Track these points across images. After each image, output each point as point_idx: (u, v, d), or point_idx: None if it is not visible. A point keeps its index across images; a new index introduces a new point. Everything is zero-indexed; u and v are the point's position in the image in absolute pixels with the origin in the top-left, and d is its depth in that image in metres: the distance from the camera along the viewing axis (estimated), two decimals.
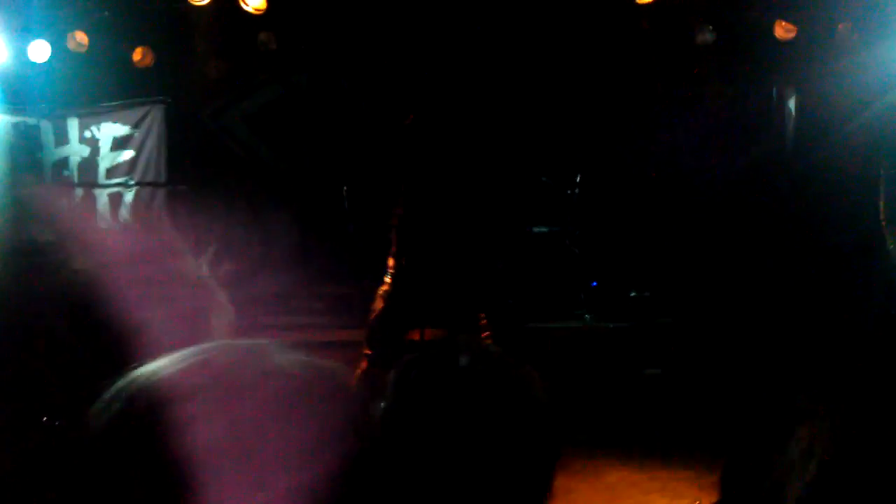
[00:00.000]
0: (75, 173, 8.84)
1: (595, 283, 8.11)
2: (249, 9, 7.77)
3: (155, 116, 8.69)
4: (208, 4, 7.55)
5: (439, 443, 1.40)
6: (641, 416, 6.33)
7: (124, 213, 8.73)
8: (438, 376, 1.47)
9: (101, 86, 8.43)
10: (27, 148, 8.82)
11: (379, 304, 5.41)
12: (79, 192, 8.80)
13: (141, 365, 0.80)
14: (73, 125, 8.82)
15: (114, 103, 8.66)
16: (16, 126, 8.81)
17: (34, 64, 8.17)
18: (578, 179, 8.38)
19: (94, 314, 1.02)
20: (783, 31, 7.63)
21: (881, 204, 7.19)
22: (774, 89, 8.29)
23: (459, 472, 1.39)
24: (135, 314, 1.03)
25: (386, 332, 5.26)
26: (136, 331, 1.03)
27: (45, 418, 0.99)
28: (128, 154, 8.81)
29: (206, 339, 1.06)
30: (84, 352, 1.00)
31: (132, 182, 8.76)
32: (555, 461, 1.44)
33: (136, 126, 8.74)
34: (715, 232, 8.50)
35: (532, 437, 1.44)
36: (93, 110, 8.71)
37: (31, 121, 8.83)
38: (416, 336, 5.54)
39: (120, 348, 1.00)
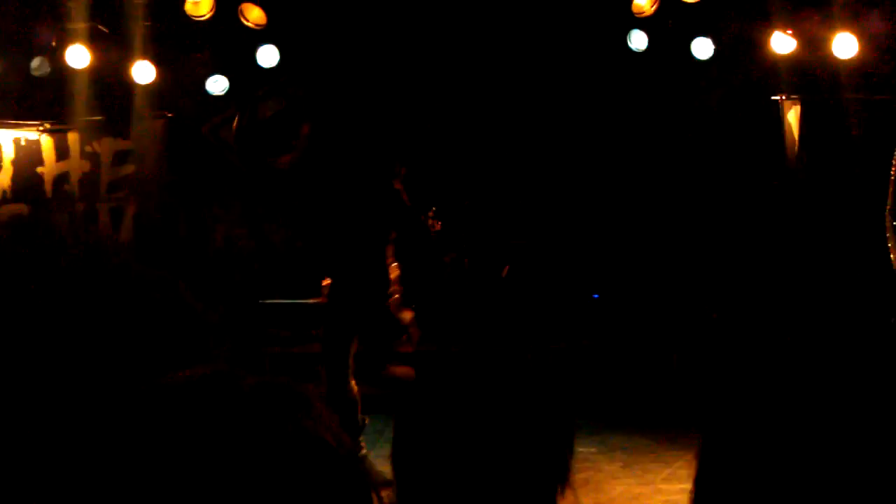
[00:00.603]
0: (76, 188, 8.84)
1: (597, 296, 8.11)
2: (249, 23, 7.79)
3: (156, 131, 8.70)
4: (209, 19, 7.57)
5: (457, 443, 1.42)
6: (643, 428, 6.32)
7: (126, 227, 8.75)
8: (457, 382, 1.49)
9: (102, 100, 8.44)
10: (28, 163, 8.83)
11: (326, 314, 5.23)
12: (80, 206, 8.81)
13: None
14: (73, 140, 8.83)
15: (114, 118, 8.67)
16: (16, 141, 8.82)
17: (35, 78, 8.18)
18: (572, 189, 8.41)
19: (90, 321, 1.02)
20: (781, 42, 7.65)
21: (887, 211, 7.20)
22: (774, 100, 8.31)
23: (475, 470, 1.41)
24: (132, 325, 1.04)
25: (334, 343, 5.09)
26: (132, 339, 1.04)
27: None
28: (129, 168, 8.82)
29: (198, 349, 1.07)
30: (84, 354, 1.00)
31: (134, 196, 8.77)
32: (564, 468, 1.46)
33: (137, 141, 8.75)
34: (716, 241, 8.51)
35: (545, 439, 1.45)
36: (93, 125, 8.72)
37: (32, 135, 8.84)
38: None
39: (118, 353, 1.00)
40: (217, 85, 8.39)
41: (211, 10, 7.46)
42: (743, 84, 8.48)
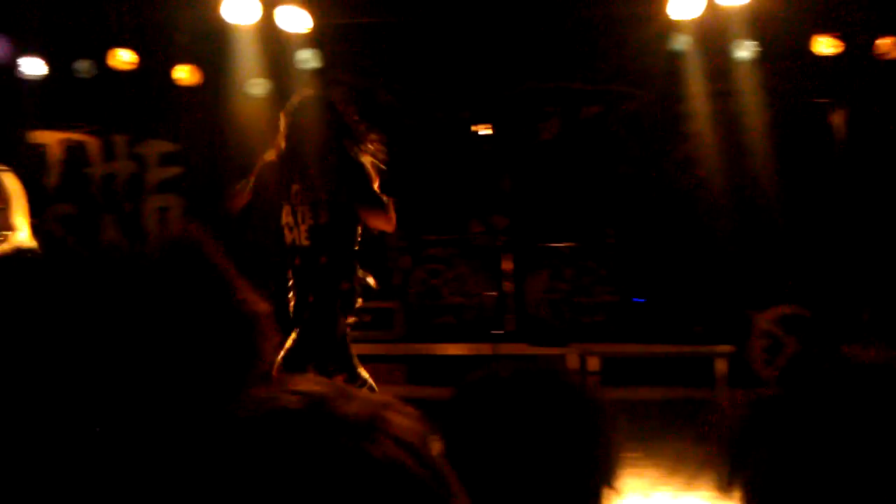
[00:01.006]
0: (123, 188, 8.97)
1: (640, 300, 8.06)
2: (290, 27, 7.83)
3: (201, 133, 8.78)
4: (251, 23, 7.63)
5: (503, 446, 1.43)
6: (689, 434, 6.27)
7: (171, 227, 8.85)
8: (501, 398, 1.49)
9: (148, 102, 8.55)
10: (74, 164, 8.97)
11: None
12: (127, 206, 8.93)
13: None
14: (120, 141, 8.96)
15: (160, 120, 8.78)
16: (63, 142, 8.96)
17: (81, 81, 8.30)
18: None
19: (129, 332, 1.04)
20: (823, 45, 7.58)
21: None
22: (818, 103, 8.23)
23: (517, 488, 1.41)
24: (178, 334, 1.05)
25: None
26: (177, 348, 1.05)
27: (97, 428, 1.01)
28: (175, 170, 8.92)
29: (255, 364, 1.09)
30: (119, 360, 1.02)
31: (179, 197, 8.86)
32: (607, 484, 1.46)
33: (183, 142, 8.85)
34: (762, 245, 8.44)
35: (589, 456, 1.46)
36: (140, 127, 8.84)
37: (79, 137, 8.97)
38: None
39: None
40: (258, 87, 8.46)
41: (253, 15, 7.53)
42: (787, 87, 8.40)
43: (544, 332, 7.68)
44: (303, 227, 4.96)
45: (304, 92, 5.22)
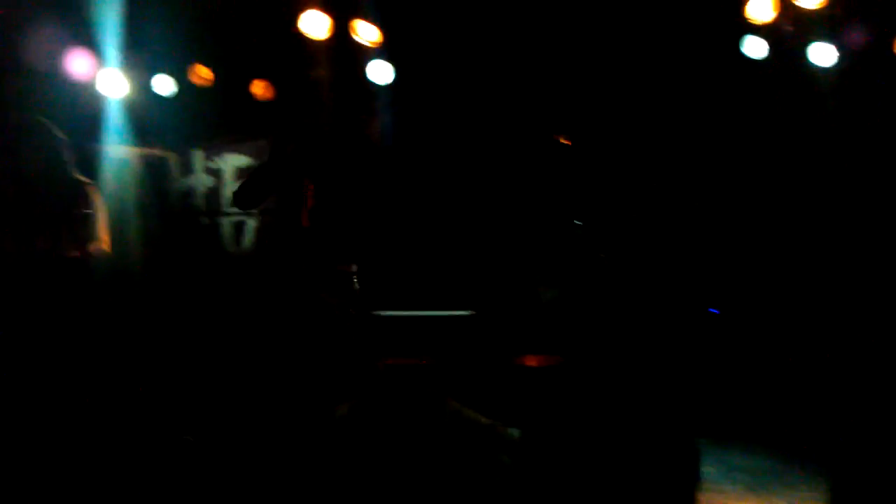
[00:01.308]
0: (200, 202, 9.14)
1: (716, 311, 7.96)
2: (365, 42, 7.91)
3: (277, 147, 8.90)
4: (325, 37, 7.72)
5: (582, 461, 1.42)
6: (766, 449, 6.17)
7: (246, 240, 8.99)
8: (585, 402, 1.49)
9: (224, 118, 8.70)
10: (155, 178, 9.16)
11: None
12: (204, 219, 9.11)
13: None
14: (197, 156, 9.13)
15: (236, 135, 8.93)
16: (143, 158, 9.15)
17: (160, 98, 8.47)
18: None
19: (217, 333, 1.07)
20: None
21: None
22: None
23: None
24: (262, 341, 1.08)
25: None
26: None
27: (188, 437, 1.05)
28: None
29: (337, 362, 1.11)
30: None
31: (255, 210, 9.00)
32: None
33: (258, 157, 8.98)
34: (846, 248, 8.29)
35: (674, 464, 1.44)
36: (216, 142, 9.01)
37: (158, 153, 9.16)
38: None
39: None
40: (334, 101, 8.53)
41: (326, 29, 7.61)
42: (868, 93, 8.23)
43: (615, 343, 7.61)
44: (304, 212, 4.89)
45: (315, 74, 5.14)
